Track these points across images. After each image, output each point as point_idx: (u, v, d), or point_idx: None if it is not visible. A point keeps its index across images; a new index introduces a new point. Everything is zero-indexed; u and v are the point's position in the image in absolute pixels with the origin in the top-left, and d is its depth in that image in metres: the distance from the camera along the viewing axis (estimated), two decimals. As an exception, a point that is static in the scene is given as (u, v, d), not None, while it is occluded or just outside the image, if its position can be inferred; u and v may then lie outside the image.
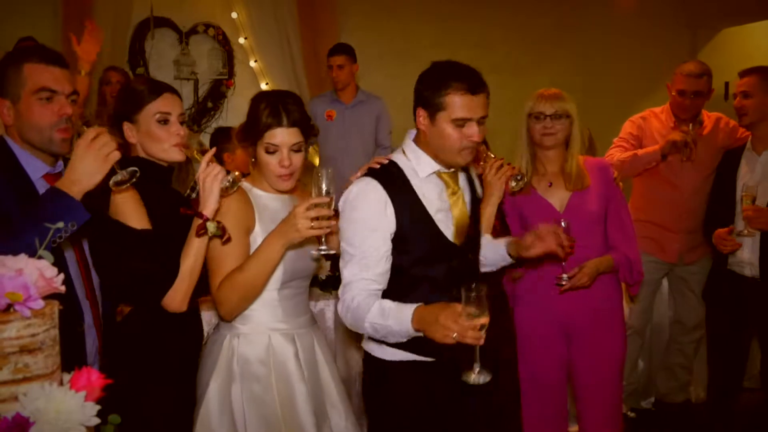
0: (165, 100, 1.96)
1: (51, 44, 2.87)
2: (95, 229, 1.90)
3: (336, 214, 1.93)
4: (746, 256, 3.02)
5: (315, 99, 4.73)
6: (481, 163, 2.35)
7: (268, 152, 1.97)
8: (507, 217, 2.59)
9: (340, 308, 1.92)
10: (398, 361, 1.95)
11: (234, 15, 5.20)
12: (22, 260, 1.12)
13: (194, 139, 4.03)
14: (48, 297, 1.13)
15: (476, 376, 1.76)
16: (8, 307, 1.07)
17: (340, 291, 1.93)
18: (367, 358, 2.03)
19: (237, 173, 1.93)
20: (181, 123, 1.99)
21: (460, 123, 1.86)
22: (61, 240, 1.60)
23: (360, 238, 1.89)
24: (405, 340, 1.85)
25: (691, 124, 3.25)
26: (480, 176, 2.29)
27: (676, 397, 3.81)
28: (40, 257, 1.16)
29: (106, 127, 1.97)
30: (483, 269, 2.23)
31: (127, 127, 1.97)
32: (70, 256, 1.87)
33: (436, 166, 1.96)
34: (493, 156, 2.37)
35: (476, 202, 2.12)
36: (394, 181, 1.93)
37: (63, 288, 1.15)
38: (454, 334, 1.63)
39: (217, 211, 1.86)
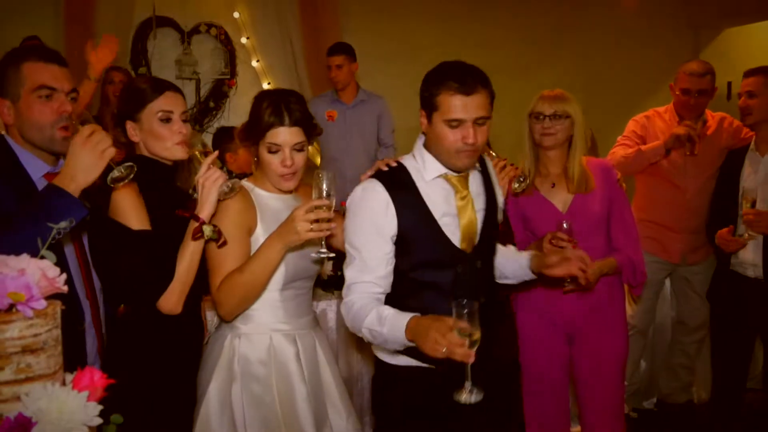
0: (167, 98, 1.96)
1: (53, 45, 2.88)
2: (94, 228, 1.91)
3: (343, 215, 1.92)
4: (749, 257, 3.02)
5: (315, 99, 4.69)
6: None
7: (270, 152, 1.96)
8: (510, 218, 2.59)
9: (343, 309, 1.91)
10: (406, 366, 1.94)
11: (236, 15, 5.21)
12: (25, 260, 1.12)
13: (197, 139, 4.03)
14: (50, 297, 1.13)
15: (467, 395, 1.73)
16: (10, 307, 1.07)
17: (343, 292, 1.93)
18: (378, 362, 2.02)
19: (237, 181, 1.92)
20: (184, 121, 1.99)
21: (453, 124, 1.82)
22: (59, 236, 1.61)
23: (361, 240, 1.88)
24: (401, 349, 1.83)
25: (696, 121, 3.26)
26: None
27: (679, 398, 3.81)
28: (42, 257, 1.16)
29: (110, 127, 1.98)
30: (504, 281, 2.18)
31: (130, 125, 1.97)
32: (70, 255, 1.87)
33: (442, 169, 1.92)
34: (496, 156, 2.37)
35: (492, 209, 2.04)
36: (398, 183, 1.91)
37: (65, 288, 1.15)
38: (444, 349, 1.60)
39: (214, 215, 1.86)
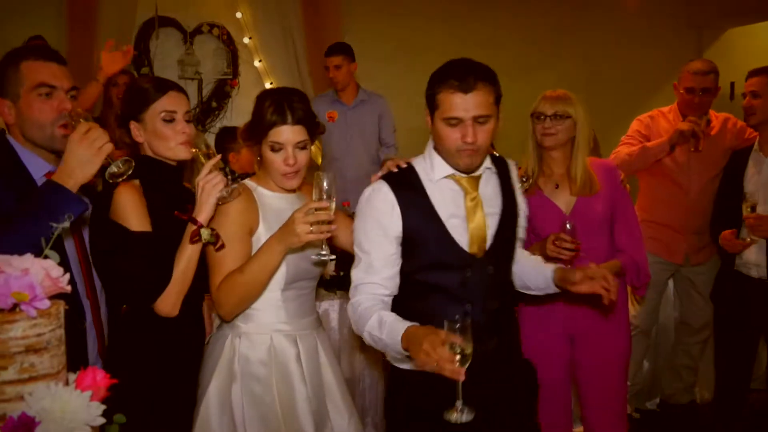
0: (170, 98, 1.95)
1: (55, 45, 2.88)
2: (95, 228, 1.91)
3: (344, 215, 1.91)
4: (753, 258, 3.03)
5: (316, 99, 4.64)
6: None
7: (273, 150, 1.96)
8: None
9: (349, 310, 1.90)
10: (416, 371, 1.89)
11: (238, 15, 5.21)
12: (28, 260, 1.12)
13: (200, 139, 4.03)
14: (53, 297, 1.13)
15: (458, 415, 1.69)
16: (14, 307, 1.07)
17: (350, 292, 1.91)
18: (390, 367, 2.00)
19: (237, 187, 1.91)
20: (188, 121, 1.98)
21: (452, 122, 1.80)
22: (58, 232, 1.61)
23: (368, 241, 1.87)
24: (399, 356, 1.80)
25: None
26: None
27: (681, 398, 3.80)
28: (45, 257, 1.16)
29: (114, 128, 1.98)
30: (529, 292, 2.13)
31: (134, 126, 1.97)
32: (71, 254, 1.87)
33: (449, 170, 1.89)
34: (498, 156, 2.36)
35: (510, 215, 1.98)
36: (405, 183, 1.89)
37: (69, 288, 1.15)
38: (435, 363, 1.56)
39: (212, 218, 1.86)
